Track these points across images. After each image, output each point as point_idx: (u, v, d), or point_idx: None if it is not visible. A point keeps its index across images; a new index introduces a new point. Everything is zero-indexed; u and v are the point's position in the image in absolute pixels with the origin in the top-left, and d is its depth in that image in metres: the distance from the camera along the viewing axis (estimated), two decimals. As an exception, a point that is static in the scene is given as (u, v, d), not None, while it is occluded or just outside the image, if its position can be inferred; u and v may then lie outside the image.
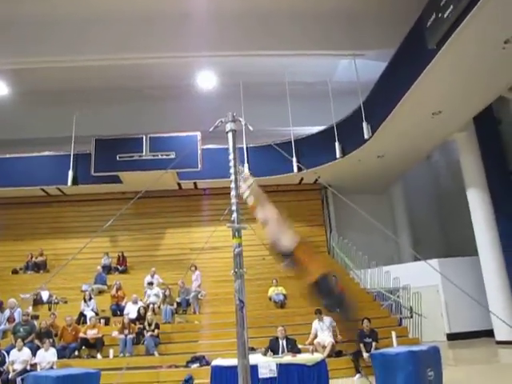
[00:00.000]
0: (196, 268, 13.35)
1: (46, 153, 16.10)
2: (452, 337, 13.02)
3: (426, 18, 9.27)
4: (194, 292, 12.67)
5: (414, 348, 7.73)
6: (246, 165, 15.10)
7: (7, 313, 11.59)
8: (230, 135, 3.31)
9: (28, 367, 9.02)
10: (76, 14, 12.62)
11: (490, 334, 12.11)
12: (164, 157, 14.40)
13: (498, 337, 11.75)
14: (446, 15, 8.44)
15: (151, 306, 12.03)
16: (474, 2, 7.59)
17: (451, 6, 8.23)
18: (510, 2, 7.49)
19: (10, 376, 8.74)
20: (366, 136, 13.10)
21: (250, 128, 3.49)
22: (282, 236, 3.55)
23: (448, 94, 10.66)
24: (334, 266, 15.55)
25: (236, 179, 3.16)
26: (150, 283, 13.06)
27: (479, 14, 7.72)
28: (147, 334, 10.57)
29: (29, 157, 15.79)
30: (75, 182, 15.34)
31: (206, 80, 16.39)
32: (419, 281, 12.39)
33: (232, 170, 3.18)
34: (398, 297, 12.72)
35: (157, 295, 12.62)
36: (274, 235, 3.57)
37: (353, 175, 15.95)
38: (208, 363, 9.21)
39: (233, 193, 3.14)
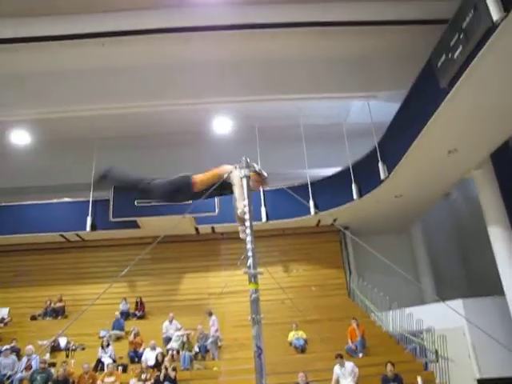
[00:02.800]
0: (211, 314, 13.17)
1: (66, 199, 16.42)
2: (483, 383, 12.40)
3: (437, 59, 9.40)
4: (211, 338, 12.47)
5: (442, 394, 7.43)
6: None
7: (24, 360, 11.53)
8: (244, 181, 3.34)
9: (45, 418, 8.90)
10: (95, 64, 13.08)
11: (526, 379, 11.51)
12: (181, 201, 14.53)
13: (533, 383, 11.20)
14: (455, 56, 8.57)
15: (170, 352, 11.85)
16: (482, 42, 7.71)
17: (460, 47, 8.35)
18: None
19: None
20: (382, 176, 13.09)
21: (265, 174, 3.53)
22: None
23: (463, 132, 10.66)
24: (355, 309, 15.24)
25: (251, 225, 3.17)
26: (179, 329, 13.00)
27: (488, 53, 7.81)
28: (165, 382, 10.36)
29: (48, 203, 16.12)
30: (94, 227, 15.50)
31: (222, 125, 16.68)
32: (444, 322, 11.99)
33: (247, 216, 3.20)
34: (421, 339, 12.32)
35: (177, 341, 12.46)
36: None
37: (371, 216, 15.84)
38: (227, 412, 8.97)
39: (248, 238, 3.14)
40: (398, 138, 12.28)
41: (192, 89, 13.27)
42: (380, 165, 13.10)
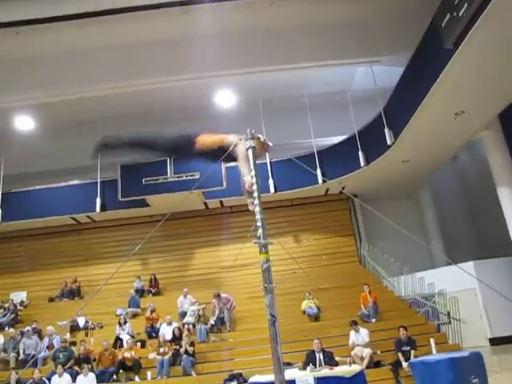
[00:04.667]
0: (219, 295, 12.77)
1: (74, 182, 16.53)
2: (495, 341, 12.52)
3: (441, 19, 9.20)
4: (227, 311, 12.61)
5: (455, 354, 7.53)
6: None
7: (46, 340, 11.81)
8: (249, 152, 3.33)
9: (69, 393, 9.17)
10: (95, 44, 12.97)
11: (535, 336, 11.65)
12: (189, 178, 14.54)
13: (544, 339, 11.33)
14: (460, 14, 8.36)
15: (186, 326, 12.06)
16: (488, -1, 7.52)
17: (465, 5, 8.15)
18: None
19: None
20: (388, 142, 12.99)
21: (270, 144, 3.51)
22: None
23: (469, 93, 10.50)
24: (366, 276, 15.35)
25: (259, 195, 3.17)
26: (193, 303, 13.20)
27: (494, 11, 7.62)
28: (184, 354, 10.58)
29: (57, 187, 16.21)
30: (103, 208, 15.63)
31: (225, 99, 16.55)
32: (455, 285, 12.06)
33: (255, 187, 3.20)
34: (433, 303, 12.43)
35: (192, 315, 12.66)
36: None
37: (379, 182, 15.79)
38: (245, 381, 9.18)
39: (257, 209, 3.16)
40: (403, 102, 12.14)
41: (193, 63, 13.15)
42: (386, 131, 13.00)
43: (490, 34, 8.33)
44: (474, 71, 9.58)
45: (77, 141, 17.12)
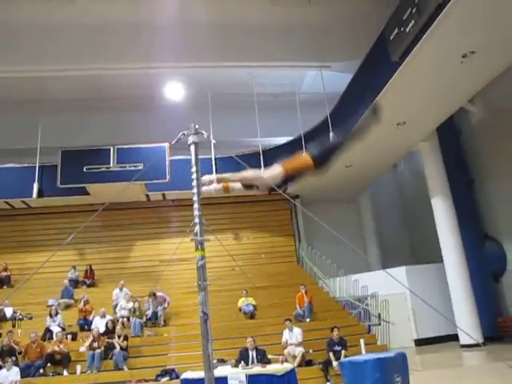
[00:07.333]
0: (154, 294, 12.55)
1: (10, 164, 15.70)
2: (419, 342, 13.24)
3: (389, 32, 9.54)
4: (160, 307, 12.46)
5: (382, 355, 7.84)
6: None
7: (-34, 331, 11.20)
8: (192, 148, 3.33)
9: (-10, 387, 8.74)
10: (38, 23, 12.42)
11: (455, 338, 12.39)
12: (132, 168, 14.25)
13: (463, 341, 12.05)
14: (407, 29, 8.72)
15: (121, 319, 11.83)
16: (433, 18, 7.87)
17: (412, 21, 8.51)
18: (466, 19, 7.80)
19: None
20: (333, 146, 13.27)
21: (213, 141, 3.52)
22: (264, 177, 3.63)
23: (412, 106, 10.95)
24: (303, 276, 15.65)
25: (199, 192, 3.18)
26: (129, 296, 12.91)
27: (438, 30, 8.01)
28: (116, 348, 10.37)
29: (-8, 169, 15.40)
30: (41, 194, 15.00)
31: (174, 91, 16.36)
32: (387, 288, 12.50)
33: (195, 183, 3.20)
34: (366, 305, 12.86)
35: (126, 309, 12.42)
36: (258, 182, 3.82)
37: (321, 185, 16.04)
38: (178, 376, 9.13)
39: (196, 205, 3.16)
40: (349, 108, 12.45)
41: (142, 52, 12.89)
42: (331, 135, 13.29)
43: (434, 51, 8.72)
44: (417, 85, 10.00)
45: (15, 121, 16.37)
